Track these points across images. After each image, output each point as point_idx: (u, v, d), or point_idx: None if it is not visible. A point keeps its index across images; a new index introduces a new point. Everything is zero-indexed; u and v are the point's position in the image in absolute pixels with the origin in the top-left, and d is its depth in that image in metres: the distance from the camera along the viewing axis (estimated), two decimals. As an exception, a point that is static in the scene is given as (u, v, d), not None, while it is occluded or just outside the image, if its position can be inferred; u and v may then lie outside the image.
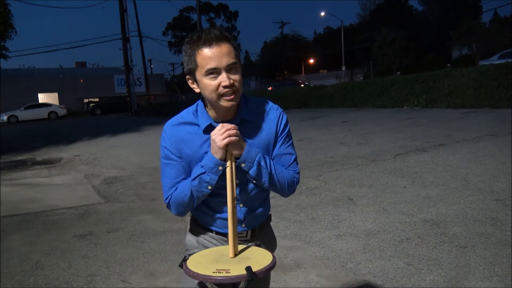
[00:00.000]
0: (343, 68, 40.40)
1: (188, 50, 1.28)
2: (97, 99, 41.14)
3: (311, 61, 56.35)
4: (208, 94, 1.28)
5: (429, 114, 12.39)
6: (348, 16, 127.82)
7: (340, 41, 41.80)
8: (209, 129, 1.34)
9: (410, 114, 12.93)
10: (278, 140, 1.42)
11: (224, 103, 1.28)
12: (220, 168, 1.30)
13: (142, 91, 37.21)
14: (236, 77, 1.27)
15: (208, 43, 1.24)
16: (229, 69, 1.26)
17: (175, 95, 49.04)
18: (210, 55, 1.24)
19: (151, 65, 59.75)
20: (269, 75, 59.12)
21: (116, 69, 49.43)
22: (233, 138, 1.26)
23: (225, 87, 1.25)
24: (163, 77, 53.83)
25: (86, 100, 41.81)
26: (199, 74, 1.28)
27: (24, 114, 32.06)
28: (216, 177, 1.32)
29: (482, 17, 48.60)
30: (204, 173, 1.31)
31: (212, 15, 58.26)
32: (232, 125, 1.27)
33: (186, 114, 1.41)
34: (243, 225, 1.45)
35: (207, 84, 1.26)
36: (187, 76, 1.34)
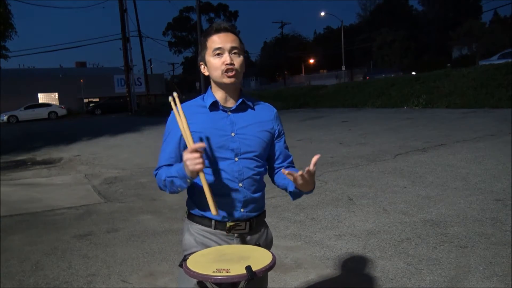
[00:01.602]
0: (343, 68, 40.37)
1: (202, 39, 1.52)
2: (97, 99, 41.13)
3: (311, 61, 56.31)
4: (214, 71, 1.48)
5: (429, 114, 12.40)
6: (348, 16, 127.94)
7: (340, 41, 41.78)
8: (213, 105, 1.51)
9: (410, 114, 12.94)
10: (280, 137, 1.61)
11: (226, 79, 1.46)
12: (189, 180, 1.39)
13: (142, 91, 37.21)
14: (237, 60, 1.47)
15: (218, 31, 1.48)
16: (232, 51, 1.46)
17: (175, 95, 48.86)
18: (217, 39, 1.47)
19: (151, 65, 59.82)
20: (269, 75, 59.11)
21: (116, 69, 49.40)
22: (197, 167, 1.31)
23: (226, 64, 1.45)
24: (163, 77, 53.82)
25: (86, 100, 41.78)
26: (208, 56, 1.49)
27: (24, 114, 32.04)
28: (185, 186, 1.42)
29: (482, 17, 48.64)
30: (176, 177, 1.41)
31: (212, 15, 58.25)
32: (191, 147, 1.32)
33: (195, 99, 1.58)
34: (242, 209, 1.51)
35: (213, 63, 1.47)
36: (200, 63, 1.54)
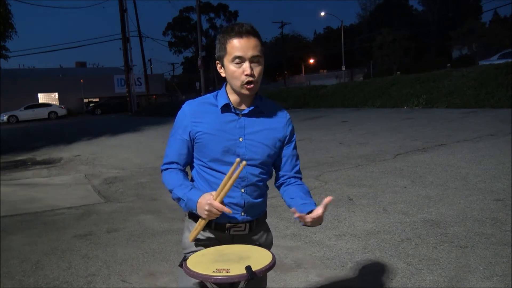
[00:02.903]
0: (343, 68, 40.37)
1: (221, 38, 1.45)
2: (97, 99, 41.14)
3: (311, 61, 56.34)
4: (232, 80, 1.44)
5: (429, 114, 12.40)
6: (348, 16, 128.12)
7: (340, 41, 41.78)
8: (225, 107, 1.48)
9: (410, 114, 12.93)
10: (289, 143, 1.57)
11: (244, 91, 1.43)
12: (194, 211, 1.43)
13: (142, 91, 37.21)
14: (257, 69, 1.43)
15: (239, 35, 1.40)
16: (252, 60, 1.41)
17: (175, 95, 49.06)
18: (238, 45, 1.40)
19: (151, 65, 59.80)
20: (269, 75, 59.09)
21: (116, 69, 49.43)
22: (212, 218, 1.39)
23: (246, 75, 1.40)
24: (163, 77, 53.85)
25: (86, 100, 41.80)
26: (226, 61, 1.44)
27: (24, 114, 32.07)
28: (187, 210, 1.48)
29: (482, 17, 48.67)
30: (183, 200, 1.45)
31: (212, 15, 58.25)
32: (219, 206, 1.35)
33: (208, 96, 1.55)
34: (243, 213, 1.50)
35: (232, 71, 1.42)
36: (217, 61, 1.49)
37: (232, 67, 1.42)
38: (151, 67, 59.10)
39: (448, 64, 30.79)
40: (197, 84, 38.55)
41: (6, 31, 14.72)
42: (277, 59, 53.66)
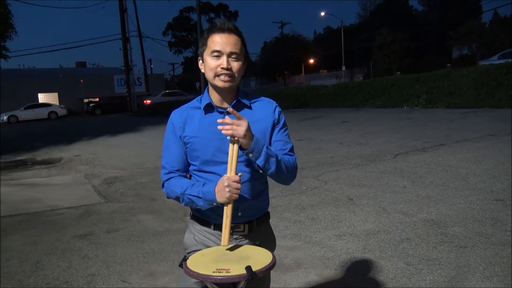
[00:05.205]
0: (343, 68, 40.38)
1: (204, 35, 1.48)
2: (97, 99, 41.12)
3: (311, 61, 56.30)
4: (208, 71, 1.46)
5: (429, 114, 12.40)
6: (348, 16, 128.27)
7: (340, 41, 41.79)
8: (208, 107, 1.49)
9: (410, 114, 12.93)
10: (276, 128, 1.54)
11: (218, 82, 1.44)
12: (215, 204, 1.39)
13: (142, 91, 37.20)
14: (235, 64, 1.44)
15: (221, 30, 1.44)
16: (230, 55, 1.43)
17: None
18: (219, 40, 1.43)
19: (151, 65, 59.79)
20: (269, 75, 59.10)
21: (116, 69, 49.40)
22: (234, 196, 1.34)
23: (222, 68, 1.42)
24: (163, 77, 53.82)
25: (86, 100, 41.77)
26: (206, 54, 1.46)
27: (24, 114, 32.04)
28: (208, 207, 1.42)
29: (482, 17, 48.66)
30: (199, 198, 1.41)
31: (212, 15, 58.23)
32: (236, 178, 1.33)
33: (192, 101, 1.57)
34: (239, 214, 1.47)
35: (209, 63, 1.45)
36: (199, 58, 1.52)
37: (210, 60, 1.44)
38: (151, 67, 59.14)
39: (448, 64, 30.74)
40: (197, 84, 38.56)
41: (6, 31, 14.73)
42: (277, 59, 53.63)
